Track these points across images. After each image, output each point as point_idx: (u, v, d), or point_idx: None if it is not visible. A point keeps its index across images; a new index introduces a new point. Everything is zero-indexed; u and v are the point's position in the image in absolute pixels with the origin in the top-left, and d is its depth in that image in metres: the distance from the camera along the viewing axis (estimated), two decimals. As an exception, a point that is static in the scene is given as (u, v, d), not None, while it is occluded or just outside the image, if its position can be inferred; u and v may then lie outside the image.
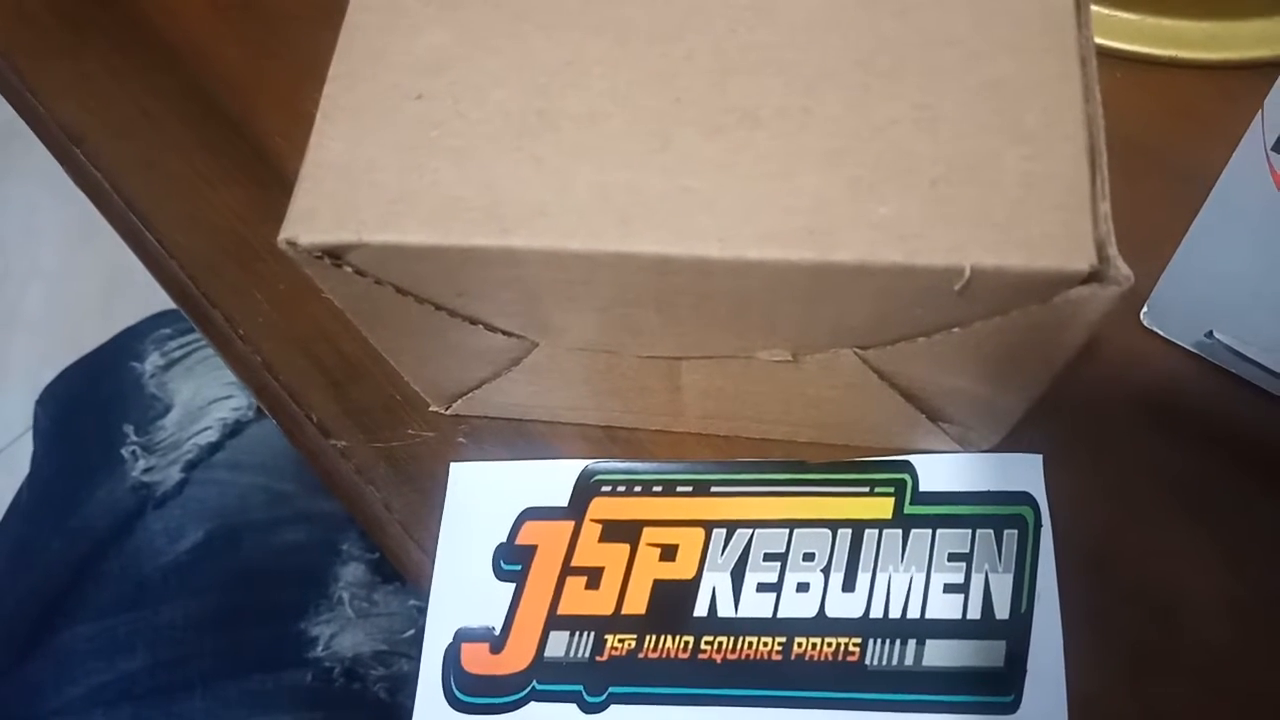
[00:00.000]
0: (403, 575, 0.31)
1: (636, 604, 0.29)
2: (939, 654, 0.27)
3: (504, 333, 0.25)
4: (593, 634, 0.28)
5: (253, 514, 0.45)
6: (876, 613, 0.28)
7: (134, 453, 0.45)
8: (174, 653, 0.40)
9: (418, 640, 0.29)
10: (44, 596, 0.43)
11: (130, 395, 0.48)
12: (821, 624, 0.28)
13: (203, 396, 0.47)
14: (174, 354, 0.49)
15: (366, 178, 0.21)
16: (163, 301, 0.38)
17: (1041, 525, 0.29)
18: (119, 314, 0.53)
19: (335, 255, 0.21)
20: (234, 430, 0.47)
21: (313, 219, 0.21)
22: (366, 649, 0.41)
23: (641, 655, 0.28)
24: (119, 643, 0.41)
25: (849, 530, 0.29)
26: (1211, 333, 0.29)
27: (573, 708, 0.28)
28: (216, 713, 0.39)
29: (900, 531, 0.29)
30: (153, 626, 0.41)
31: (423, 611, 0.29)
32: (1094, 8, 0.34)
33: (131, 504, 0.44)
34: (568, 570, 0.29)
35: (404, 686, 0.41)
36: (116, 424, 0.47)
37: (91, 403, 0.51)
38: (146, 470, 0.45)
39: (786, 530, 0.29)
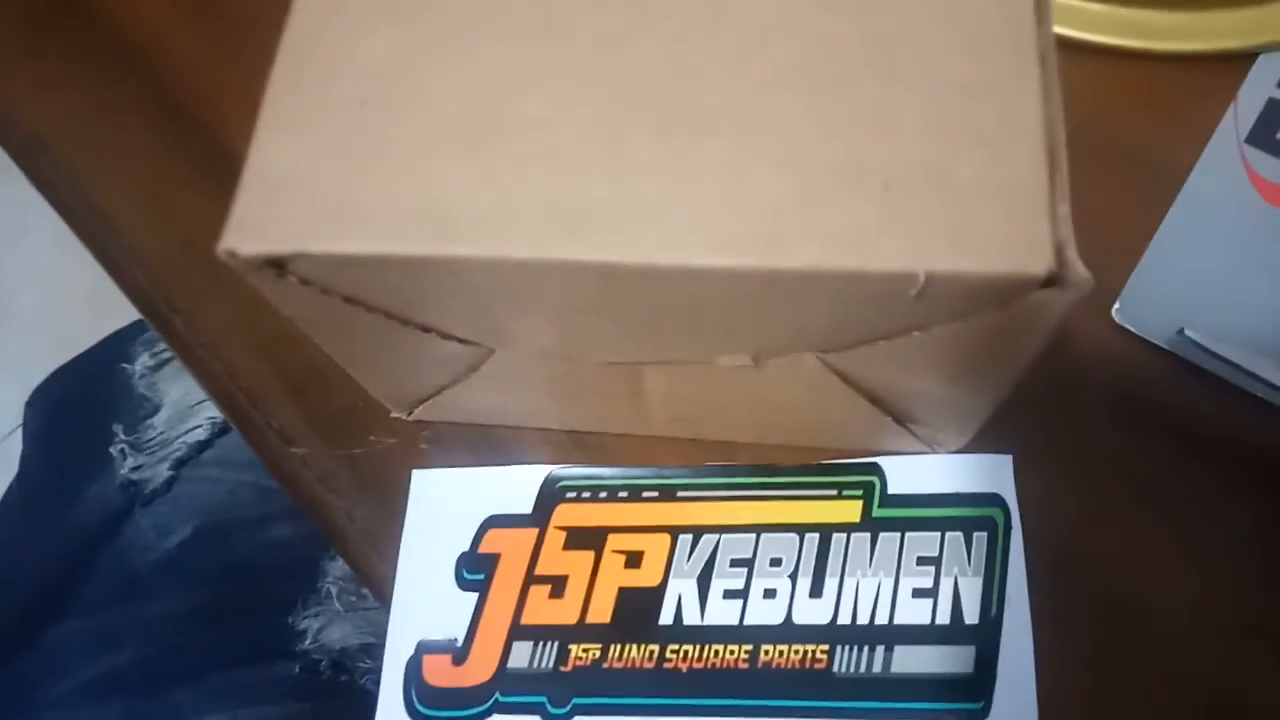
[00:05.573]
0: (364, 585, 0.30)
1: (601, 612, 0.28)
2: (908, 660, 0.27)
3: (458, 340, 0.25)
4: (556, 644, 0.28)
5: (242, 510, 0.45)
6: (844, 619, 0.28)
7: (122, 451, 0.46)
8: (164, 646, 0.41)
9: None
10: (35, 592, 0.44)
11: (120, 395, 0.48)
12: (788, 631, 0.28)
13: (192, 396, 0.47)
14: (164, 355, 0.50)
15: (309, 186, 0.21)
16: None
17: (1011, 527, 0.28)
18: (110, 315, 0.52)
19: (278, 265, 0.21)
20: (223, 429, 0.47)
21: (253, 229, 0.21)
22: (354, 642, 0.41)
23: (606, 665, 0.28)
24: (109, 637, 0.41)
25: (816, 535, 0.29)
26: (1183, 330, 0.29)
27: (536, 719, 0.27)
28: (206, 704, 0.39)
29: (868, 535, 0.28)
30: (142, 621, 0.41)
31: None
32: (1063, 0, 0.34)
33: (121, 502, 0.45)
34: (531, 579, 0.29)
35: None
36: (106, 424, 0.47)
37: (82, 403, 0.51)
38: (135, 468, 0.45)
39: (754, 535, 0.29)
